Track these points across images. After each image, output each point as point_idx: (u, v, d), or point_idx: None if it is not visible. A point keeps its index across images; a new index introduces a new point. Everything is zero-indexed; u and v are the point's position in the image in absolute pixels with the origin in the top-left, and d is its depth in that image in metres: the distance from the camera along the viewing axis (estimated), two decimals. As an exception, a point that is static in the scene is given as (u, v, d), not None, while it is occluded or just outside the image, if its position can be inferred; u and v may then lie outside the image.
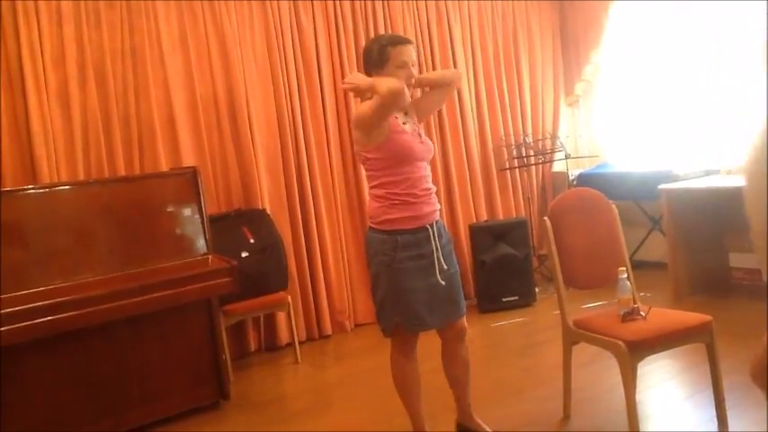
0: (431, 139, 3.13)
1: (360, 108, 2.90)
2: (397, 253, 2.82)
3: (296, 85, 5.07)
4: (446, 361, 3.12)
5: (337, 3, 5.24)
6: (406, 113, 2.99)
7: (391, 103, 2.72)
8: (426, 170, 2.95)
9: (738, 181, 4.72)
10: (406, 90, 2.80)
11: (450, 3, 5.81)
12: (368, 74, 2.92)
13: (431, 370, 3.24)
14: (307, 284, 5.07)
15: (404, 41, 2.91)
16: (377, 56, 2.86)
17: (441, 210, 3.06)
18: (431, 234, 2.88)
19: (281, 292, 4.64)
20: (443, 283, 2.89)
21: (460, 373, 3.11)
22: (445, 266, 2.91)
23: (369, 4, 5.37)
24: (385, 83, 2.73)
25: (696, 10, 5.49)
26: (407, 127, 2.92)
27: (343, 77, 5.21)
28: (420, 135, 2.96)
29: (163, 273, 3.74)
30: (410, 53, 2.86)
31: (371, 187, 2.95)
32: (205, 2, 4.75)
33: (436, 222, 2.93)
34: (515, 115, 6.25)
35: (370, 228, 2.94)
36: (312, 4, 5.14)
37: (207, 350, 3.94)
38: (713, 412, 2.98)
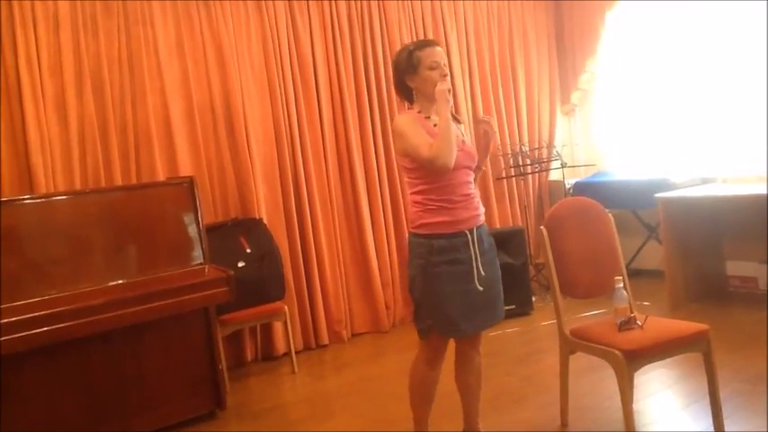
0: None
1: (402, 126, 2.84)
2: (432, 257, 2.80)
3: (293, 93, 5.07)
4: (460, 368, 3.09)
5: (333, 10, 5.25)
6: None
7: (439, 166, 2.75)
8: (467, 176, 2.90)
9: (737, 189, 4.68)
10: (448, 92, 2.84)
11: (446, 10, 5.83)
12: (401, 83, 2.92)
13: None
14: (303, 294, 5.06)
15: (430, 44, 2.90)
16: (406, 62, 2.87)
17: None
18: (469, 240, 2.83)
19: (278, 302, 4.63)
20: (481, 289, 2.85)
21: (473, 381, 3.09)
22: (483, 273, 2.86)
23: (365, 10, 5.39)
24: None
25: (692, 17, 5.52)
26: None
27: (339, 85, 5.24)
28: (463, 142, 2.91)
29: (159, 282, 3.73)
30: (439, 54, 2.86)
31: (411, 193, 2.93)
32: (202, 9, 4.76)
33: (477, 228, 2.88)
34: (511, 124, 6.26)
35: (410, 232, 2.93)
36: (308, 11, 5.16)
37: (203, 359, 3.92)
38: (710, 421, 2.98)
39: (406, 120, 2.86)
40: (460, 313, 2.83)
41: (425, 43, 2.92)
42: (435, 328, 2.86)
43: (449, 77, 2.89)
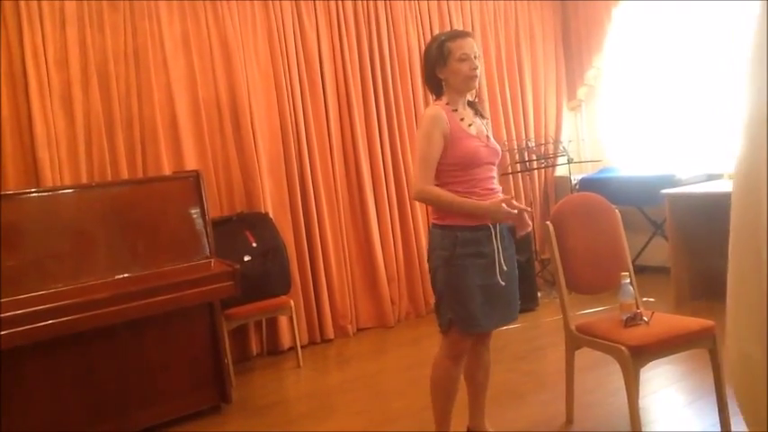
0: None
1: (423, 128, 2.84)
2: (456, 249, 2.77)
3: (298, 87, 5.07)
4: (468, 364, 3.06)
5: (339, 6, 5.24)
6: (476, 114, 2.93)
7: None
8: (491, 172, 2.88)
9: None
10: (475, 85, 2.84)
11: (452, 7, 5.82)
12: (431, 73, 2.88)
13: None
14: (309, 288, 5.06)
15: (462, 35, 2.86)
16: (436, 53, 2.82)
17: None
18: (492, 234, 2.81)
19: (284, 296, 4.64)
20: (503, 284, 2.84)
21: (481, 377, 3.08)
22: (505, 268, 2.85)
23: (371, 6, 5.38)
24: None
25: (698, 13, 5.50)
26: (473, 129, 2.84)
27: (345, 80, 5.23)
28: (488, 138, 2.89)
29: (165, 276, 3.74)
30: (470, 45, 2.81)
31: (434, 185, 2.87)
32: (208, 4, 4.76)
33: (499, 224, 2.86)
34: (518, 120, 6.25)
35: (432, 223, 2.90)
36: (315, 6, 5.15)
37: (209, 354, 3.93)
38: (716, 418, 2.97)
39: (432, 120, 2.80)
40: (480, 308, 2.81)
41: (457, 34, 2.87)
42: (455, 323, 2.83)
43: (479, 69, 2.84)
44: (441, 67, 2.83)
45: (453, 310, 2.82)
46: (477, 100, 3.05)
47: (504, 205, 2.73)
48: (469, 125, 2.85)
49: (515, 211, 2.76)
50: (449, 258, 2.79)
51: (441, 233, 2.83)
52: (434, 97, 2.95)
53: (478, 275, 2.80)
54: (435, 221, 2.88)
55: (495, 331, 3.06)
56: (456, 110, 2.85)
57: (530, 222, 2.89)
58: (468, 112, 2.91)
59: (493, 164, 2.90)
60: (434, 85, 2.91)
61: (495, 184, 2.90)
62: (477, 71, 2.84)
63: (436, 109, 2.84)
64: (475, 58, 2.82)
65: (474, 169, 2.79)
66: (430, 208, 2.93)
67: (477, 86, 2.94)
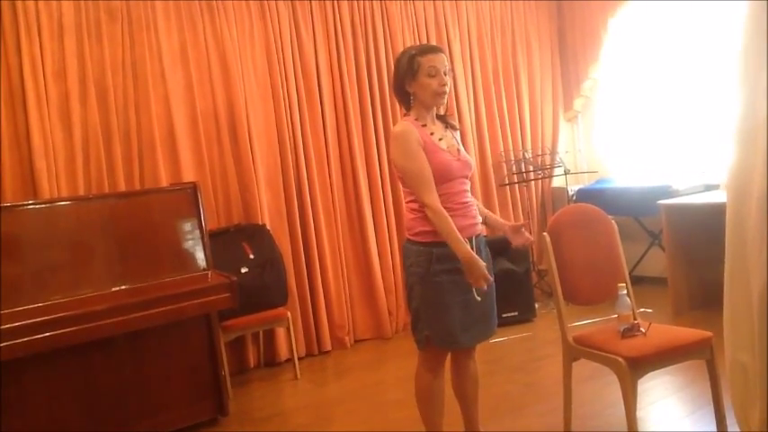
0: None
1: (402, 144, 2.80)
2: (431, 265, 2.76)
3: (296, 99, 5.08)
4: (456, 376, 3.07)
5: (337, 17, 5.26)
6: (446, 127, 2.93)
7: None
8: (465, 185, 2.87)
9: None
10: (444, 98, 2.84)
11: (449, 16, 5.84)
12: (400, 86, 2.86)
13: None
14: (306, 300, 5.06)
15: (433, 50, 2.84)
16: (406, 66, 2.81)
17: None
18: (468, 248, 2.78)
19: (281, 308, 4.63)
20: (479, 299, 2.83)
21: (470, 388, 3.07)
22: None
23: (368, 18, 5.40)
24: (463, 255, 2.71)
25: (695, 25, 5.52)
26: (443, 144, 2.83)
27: (342, 91, 5.25)
28: (459, 151, 2.88)
29: (162, 288, 3.73)
30: (441, 61, 2.79)
31: (407, 201, 2.88)
32: (206, 16, 4.77)
33: (476, 237, 2.85)
34: (515, 131, 6.26)
35: (407, 239, 2.88)
36: (312, 17, 5.17)
37: (206, 366, 3.92)
38: (714, 429, 2.97)
39: (405, 136, 2.78)
40: (458, 325, 2.81)
41: (428, 49, 2.85)
42: (432, 340, 2.83)
43: (448, 85, 2.83)
44: (410, 80, 2.82)
45: (431, 327, 2.81)
46: (447, 113, 3.04)
47: (483, 268, 2.71)
48: (440, 139, 2.84)
49: (485, 286, 2.74)
50: (424, 275, 2.79)
51: (416, 249, 2.82)
52: (404, 111, 2.94)
53: (455, 292, 2.79)
54: (411, 237, 2.86)
55: (493, 343, 3.06)
56: (425, 125, 2.84)
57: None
58: (438, 126, 2.90)
59: (466, 177, 2.89)
60: (403, 98, 2.91)
61: (469, 197, 2.90)
62: (447, 87, 2.82)
63: (405, 124, 2.83)
64: (445, 74, 2.80)
65: (446, 183, 2.78)
66: (408, 223, 2.89)
67: (447, 100, 2.91)
